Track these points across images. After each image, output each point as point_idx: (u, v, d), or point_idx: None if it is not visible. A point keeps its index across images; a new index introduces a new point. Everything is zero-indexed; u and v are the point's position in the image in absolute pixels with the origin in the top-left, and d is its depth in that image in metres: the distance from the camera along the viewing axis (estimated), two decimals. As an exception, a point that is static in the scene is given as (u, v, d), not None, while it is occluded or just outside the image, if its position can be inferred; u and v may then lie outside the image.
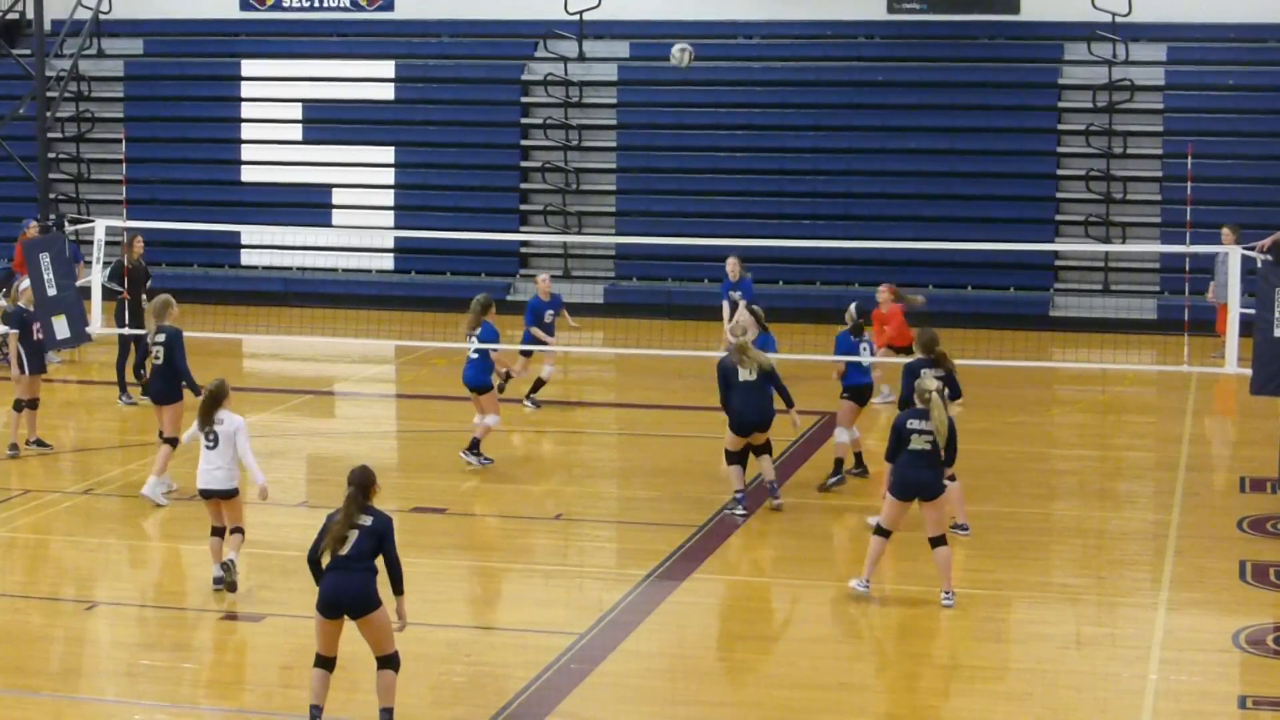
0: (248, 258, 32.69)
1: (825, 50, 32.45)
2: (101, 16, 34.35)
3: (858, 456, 19.01)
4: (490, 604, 15.49)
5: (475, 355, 19.31)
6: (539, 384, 22.61)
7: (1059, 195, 30.72)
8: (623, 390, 24.18)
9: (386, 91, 33.37)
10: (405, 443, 21.92)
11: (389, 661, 11.87)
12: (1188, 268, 24.60)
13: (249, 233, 31.72)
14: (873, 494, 17.90)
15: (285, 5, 34.91)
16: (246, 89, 33.86)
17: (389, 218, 32.83)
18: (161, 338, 18.31)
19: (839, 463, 18.65)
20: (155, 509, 17.77)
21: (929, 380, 15.05)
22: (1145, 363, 26.07)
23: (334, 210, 32.82)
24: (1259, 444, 20.68)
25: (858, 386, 18.63)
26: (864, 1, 32.25)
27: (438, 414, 22.98)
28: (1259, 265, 19.36)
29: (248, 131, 33.71)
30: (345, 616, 11.82)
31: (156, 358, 18.31)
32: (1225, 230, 25.15)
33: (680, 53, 23.81)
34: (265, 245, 31.36)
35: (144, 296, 23.03)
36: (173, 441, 18.02)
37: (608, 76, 32.82)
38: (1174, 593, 15.18)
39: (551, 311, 22.58)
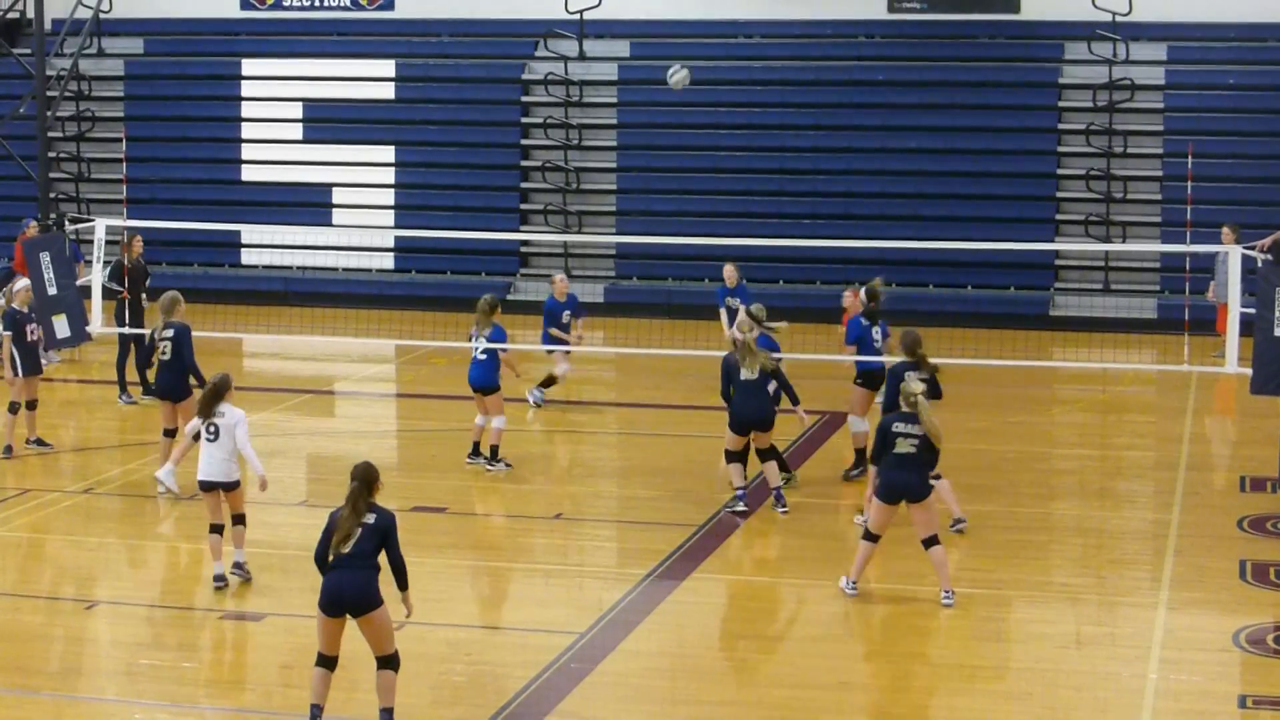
0: (248, 257, 32.69)
1: (825, 50, 32.45)
2: (102, 16, 34.34)
3: (859, 453, 19.02)
4: (490, 603, 15.49)
5: (484, 356, 19.26)
6: (550, 381, 22.55)
7: (1059, 195, 30.72)
8: (623, 390, 24.17)
9: (387, 91, 33.38)
10: (405, 442, 21.92)
11: (389, 661, 11.87)
12: (1188, 267, 24.60)
13: (249, 232, 31.73)
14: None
15: (285, 5, 34.92)
16: (247, 88, 33.86)
17: (389, 217, 32.83)
18: (169, 333, 18.35)
19: (860, 453, 18.65)
20: (159, 504, 17.79)
21: (914, 384, 15.07)
22: (1145, 362, 26.07)
23: (334, 209, 32.83)
24: (1259, 443, 20.68)
25: (871, 372, 18.64)
26: (864, 1, 32.25)
27: (438, 413, 22.99)
28: (1259, 265, 19.36)
29: (248, 131, 33.71)
30: (347, 615, 11.82)
31: (164, 353, 18.35)
32: (1225, 230, 25.15)
33: (679, 77, 23.67)
34: (265, 244, 31.36)
35: (143, 296, 23.06)
36: (170, 433, 18.13)
37: (608, 76, 32.82)
38: (1174, 592, 15.18)
39: (569, 312, 22.42)
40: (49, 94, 30.10)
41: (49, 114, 29.87)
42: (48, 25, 29.88)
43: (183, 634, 14.47)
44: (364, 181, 32.91)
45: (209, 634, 14.44)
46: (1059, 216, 30.60)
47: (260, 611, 14.71)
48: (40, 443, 20.20)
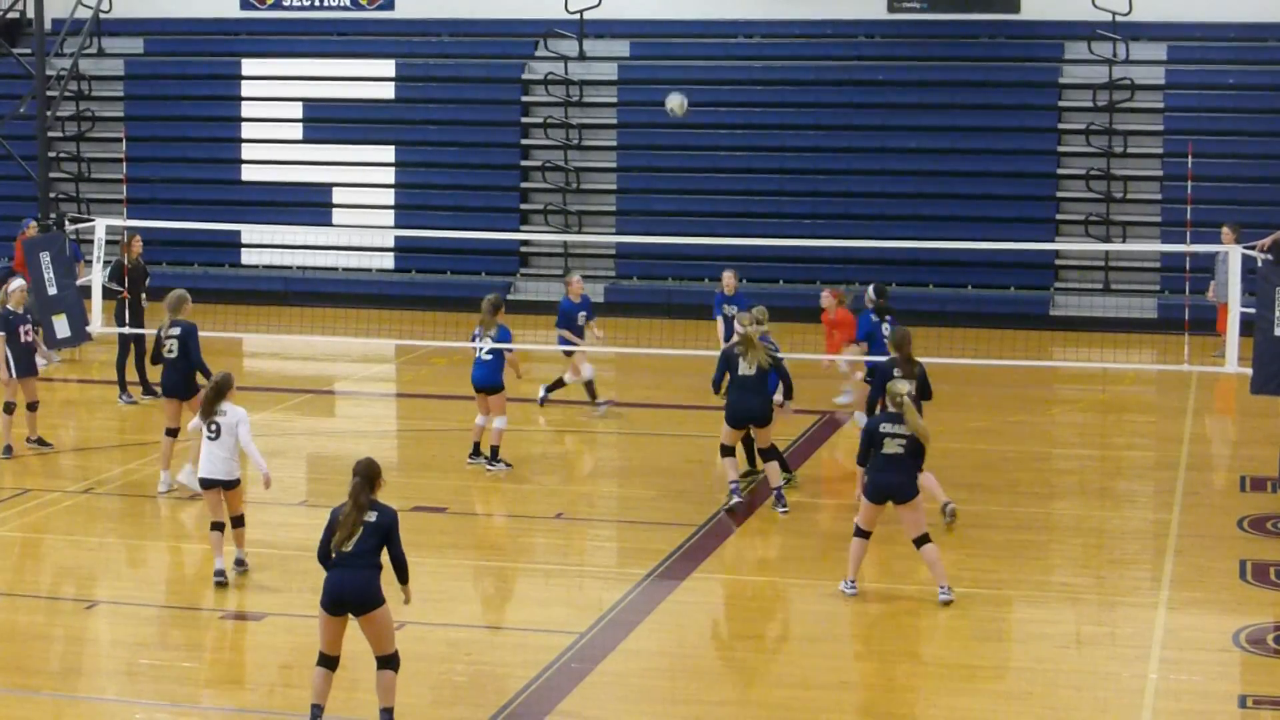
0: (248, 257, 32.69)
1: (825, 49, 32.45)
2: (102, 15, 34.34)
3: None
4: (491, 603, 15.49)
5: (489, 356, 19.24)
6: (559, 384, 22.51)
7: (1059, 194, 30.72)
8: (623, 389, 24.14)
9: (387, 90, 33.38)
10: (405, 442, 21.92)
11: (389, 661, 11.87)
12: (1188, 267, 24.59)
13: (249, 232, 31.73)
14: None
15: (285, 4, 34.92)
16: (247, 88, 33.86)
17: (389, 217, 32.84)
18: (176, 331, 18.36)
19: None
20: (159, 504, 17.79)
21: (900, 384, 15.09)
22: (1145, 362, 26.07)
23: (334, 209, 32.83)
24: (1259, 443, 20.68)
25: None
26: (864, 1, 32.25)
27: (438, 413, 22.99)
28: (1259, 264, 19.35)
29: (248, 131, 33.71)
30: (349, 614, 11.82)
31: (170, 351, 18.35)
32: (1225, 229, 25.14)
33: (674, 104, 23.59)
34: (266, 244, 31.37)
35: (143, 296, 23.05)
36: (173, 433, 18.15)
37: (608, 76, 32.82)
38: (1174, 592, 15.18)
39: (584, 314, 22.35)
40: (49, 94, 30.11)
41: (49, 114, 29.88)
42: (48, 25, 29.89)
43: (183, 634, 14.47)
44: (364, 181, 32.91)
45: (209, 634, 14.44)
46: (1059, 216, 30.60)
47: (260, 611, 14.72)
48: (41, 442, 20.20)
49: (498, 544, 17.33)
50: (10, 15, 34.86)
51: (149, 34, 35.18)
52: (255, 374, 25.84)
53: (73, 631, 14.54)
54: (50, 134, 31.09)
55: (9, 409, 20.00)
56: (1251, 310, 19.02)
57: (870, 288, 19.62)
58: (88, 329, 23.05)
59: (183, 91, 34.19)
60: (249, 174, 33.44)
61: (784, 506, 17.57)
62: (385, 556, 11.94)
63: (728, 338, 17.77)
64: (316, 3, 34.74)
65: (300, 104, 33.35)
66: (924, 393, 16.88)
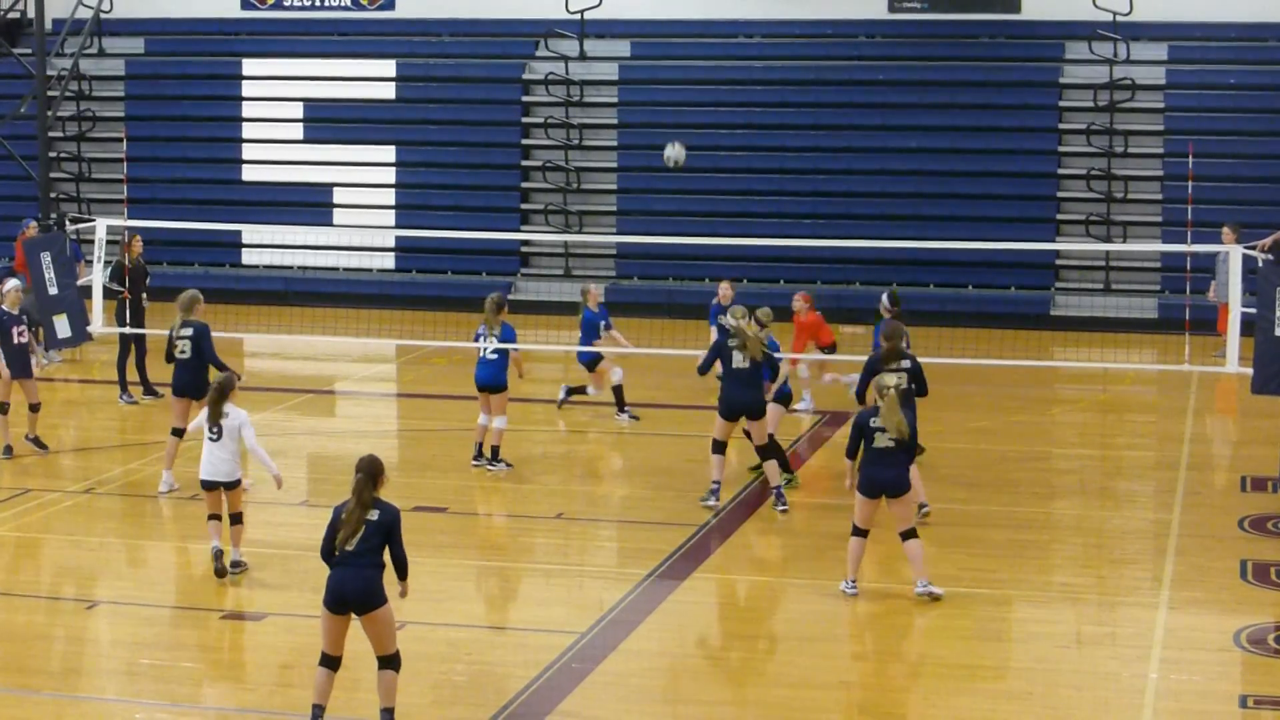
0: (249, 257, 32.70)
1: (826, 49, 32.46)
2: (102, 15, 34.36)
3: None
4: (491, 603, 15.49)
5: (494, 356, 19.23)
6: (580, 389, 22.49)
7: (1060, 194, 30.72)
8: (628, 389, 24.11)
9: (387, 91, 33.38)
10: (406, 442, 21.92)
11: (390, 661, 11.87)
12: (1189, 267, 24.59)
13: (250, 232, 31.73)
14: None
15: (286, 4, 34.93)
16: (247, 88, 33.87)
17: (390, 217, 32.84)
18: (188, 332, 18.36)
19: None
20: (160, 504, 17.80)
21: (888, 377, 15.13)
22: (1146, 362, 26.07)
23: (335, 209, 32.84)
24: (1260, 443, 20.69)
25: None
26: (864, 1, 32.25)
27: (438, 413, 23.00)
28: (1260, 265, 19.36)
29: (249, 131, 33.73)
30: (351, 614, 11.82)
31: (183, 353, 18.34)
32: (1226, 229, 25.15)
33: (680, 156, 23.52)
34: (266, 244, 31.38)
35: (144, 295, 23.05)
36: (179, 432, 18.15)
37: (609, 76, 32.83)
38: (1175, 592, 15.18)
39: (603, 323, 22.29)
40: (50, 94, 30.13)
41: (50, 114, 29.90)
42: (48, 25, 29.93)
43: (183, 634, 14.47)
44: (365, 181, 32.92)
45: (209, 634, 14.44)
46: (1060, 216, 30.61)
47: (261, 611, 14.72)
48: (37, 442, 20.09)
49: (498, 544, 17.33)
50: (11, 15, 34.87)
51: (149, 34, 35.19)
52: (256, 374, 25.81)
53: (73, 631, 14.54)
54: (51, 134, 31.11)
55: (3, 409, 19.94)
56: (1252, 310, 19.02)
57: (885, 295, 19.62)
58: (88, 329, 23.03)
59: (183, 91, 34.20)
60: (249, 174, 33.45)
61: (784, 505, 17.57)
62: (388, 555, 11.94)
63: (729, 357, 17.69)
64: (317, 3, 34.74)
65: (301, 104, 33.36)
66: (919, 388, 16.89)
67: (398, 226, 32.59)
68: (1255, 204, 29.17)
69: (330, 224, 32.42)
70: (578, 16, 32.73)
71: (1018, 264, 29.67)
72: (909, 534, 14.81)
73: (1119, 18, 30.55)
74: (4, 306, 19.95)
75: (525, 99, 33.03)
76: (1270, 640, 14.01)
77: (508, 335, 19.24)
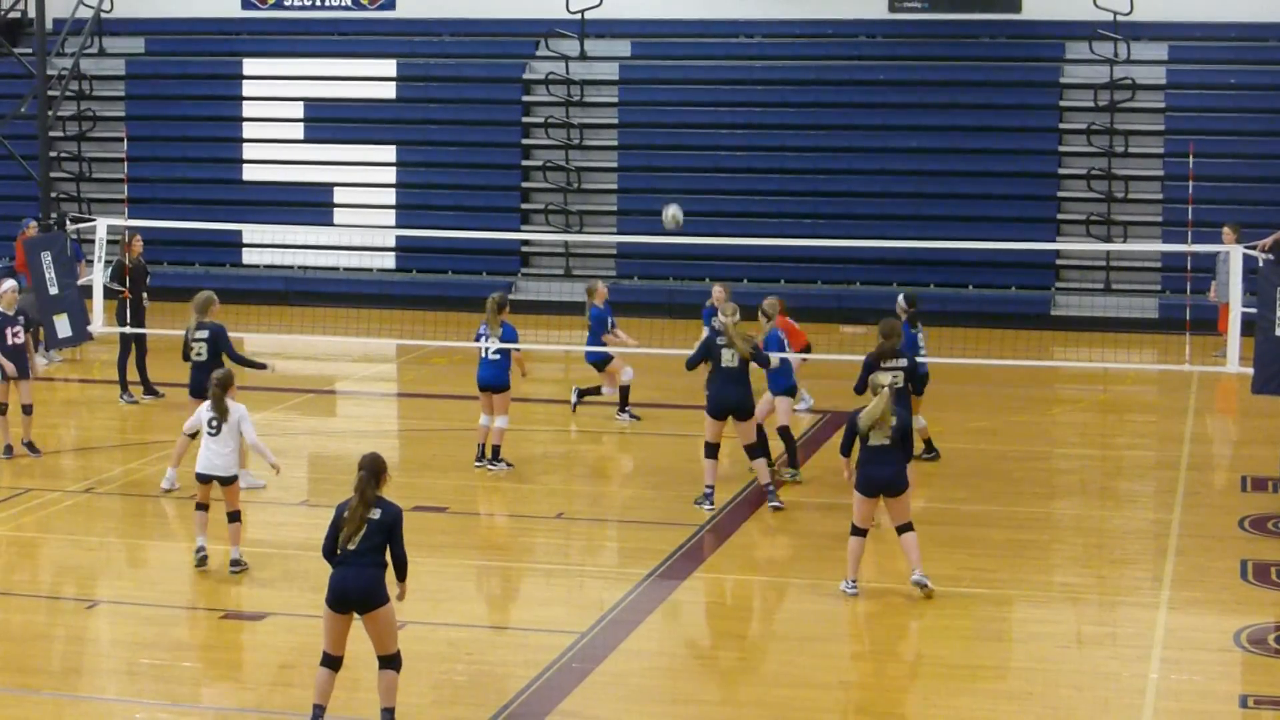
0: (249, 257, 32.71)
1: (826, 49, 32.45)
2: (103, 15, 34.36)
3: (927, 442, 19.53)
4: (491, 603, 15.49)
5: (496, 356, 19.22)
6: (595, 390, 22.47)
7: (1060, 194, 30.72)
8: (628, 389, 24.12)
9: (388, 90, 33.38)
10: (406, 441, 21.92)
11: (391, 661, 11.87)
12: (1189, 267, 24.61)
13: (250, 232, 31.73)
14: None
15: (287, 4, 34.92)
16: (248, 88, 33.87)
17: (390, 216, 32.85)
18: (204, 334, 18.39)
19: (927, 441, 19.48)
20: (160, 504, 17.82)
21: (882, 376, 15.17)
22: (1147, 362, 26.07)
23: (335, 209, 32.84)
24: (1260, 443, 20.69)
25: (919, 374, 18.85)
26: (865, 0, 32.25)
27: (439, 413, 23.00)
28: (1260, 264, 19.36)
29: (249, 130, 33.73)
30: (354, 613, 11.82)
31: (198, 354, 18.34)
32: (1226, 229, 25.15)
33: (680, 217, 23.50)
34: (267, 244, 31.38)
35: (144, 295, 23.05)
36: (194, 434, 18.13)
37: (609, 75, 32.83)
38: (1175, 592, 15.18)
39: (610, 320, 22.29)
40: (50, 93, 30.12)
41: (50, 113, 29.89)
42: (49, 25, 29.91)
43: (183, 633, 14.47)
44: (365, 181, 32.92)
45: (210, 633, 14.44)
46: (1060, 216, 30.61)
47: (261, 611, 14.72)
48: (30, 447, 19.93)
49: (499, 544, 17.34)
50: (11, 15, 34.86)
51: (150, 34, 35.19)
52: (257, 374, 25.83)
53: (73, 631, 14.54)
54: (51, 134, 31.10)
55: (2, 410, 19.88)
56: (1252, 310, 19.03)
57: (901, 296, 19.67)
58: (89, 329, 23.03)
59: (184, 91, 34.20)
60: (250, 174, 33.45)
61: (777, 503, 17.58)
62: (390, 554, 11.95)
63: (718, 355, 17.71)
64: (318, 2, 34.74)
65: (301, 104, 33.36)
66: (916, 386, 17.04)
67: (398, 226, 32.59)
68: (1256, 204, 29.17)
69: (331, 224, 32.42)
70: (578, 16, 32.74)
71: (1018, 264, 29.66)
72: (905, 527, 14.84)
73: (1119, 17, 30.55)
74: (1, 307, 19.85)
75: (526, 99, 33.03)
76: (1270, 640, 14.01)
77: (509, 335, 19.24)
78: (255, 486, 18.30)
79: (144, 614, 14.73)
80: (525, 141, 32.88)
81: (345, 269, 32.51)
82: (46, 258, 22.27)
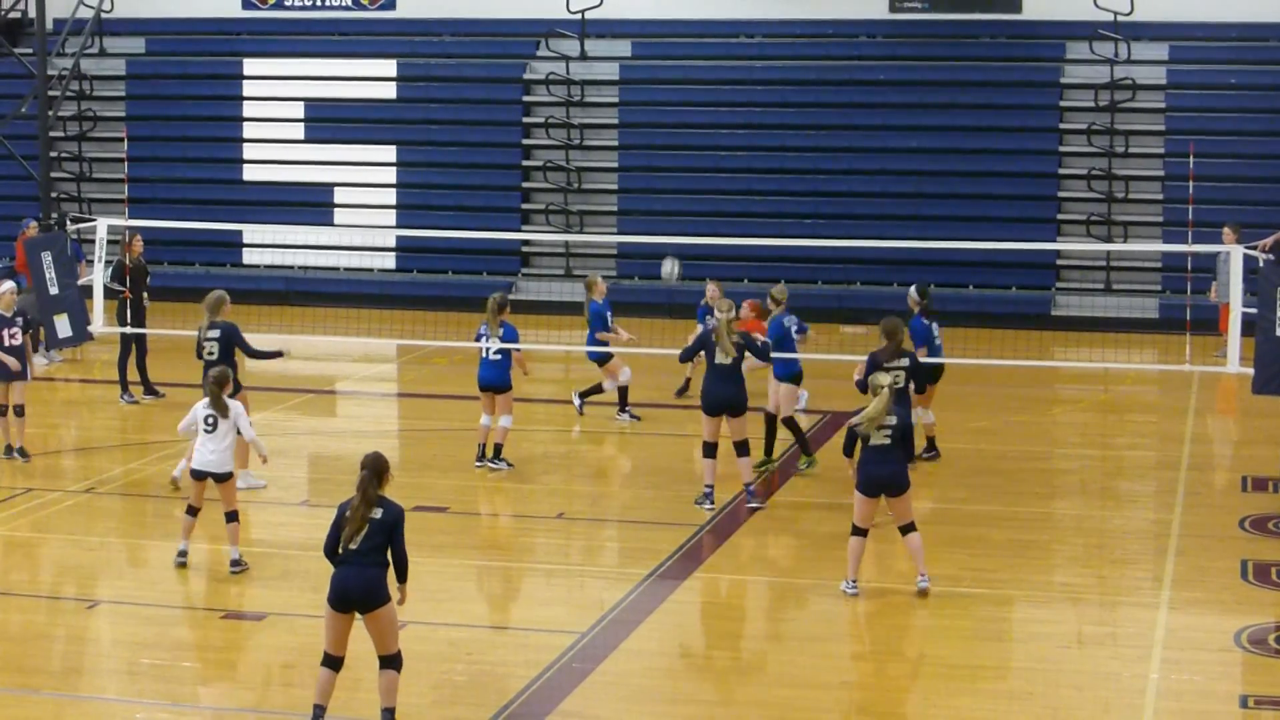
0: (249, 257, 32.71)
1: (827, 49, 32.45)
2: (103, 15, 34.35)
3: (930, 440, 19.56)
4: (492, 603, 15.49)
5: (497, 356, 19.22)
6: (597, 389, 22.44)
7: (1061, 194, 30.72)
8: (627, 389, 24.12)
9: (388, 90, 33.39)
10: (407, 441, 21.92)
11: (392, 661, 11.87)
12: (1189, 267, 24.59)
13: (251, 232, 31.73)
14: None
15: (287, 4, 34.92)
16: (248, 88, 33.88)
17: (391, 217, 32.85)
18: (215, 333, 18.40)
19: (930, 440, 19.55)
20: (161, 504, 17.81)
21: (882, 376, 15.16)
22: (1147, 362, 26.06)
23: (336, 209, 32.85)
24: (1261, 443, 20.69)
25: (933, 368, 18.88)
26: (865, 0, 32.25)
27: (439, 413, 23.00)
28: (1260, 265, 19.35)
29: (249, 130, 33.73)
30: (355, 612, 11.82)
31: (210, 353, 18.34)
32: (1227, 229, 25.14)
33: (670, 269, 23.38)
34: (267, 244, 31.38)
35: (145, 295, 23.04)
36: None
37: (609, 75, 32.83)
38: (1175, 592, 15.17)
39: (609, 314, 22.31)
40: (50, 93, 30.11)
41: (50, 113, 29.89)
42: (49, 25, 29.90)
43: (184, 633, 14.47)
44: (365, 181, 32.92)
45: (210, 633, 14.44)
46: (1060, 216, 30.61)
47: (261, 611, 14.72)
48: (21, 453, 19.70)
49: (499, 543, 17.34)
50: (11, 15, 34.86)
51: (150, 34, 35.19)
52: (257, 374, 25.79)
53: (74, 631, 14.54)
54: (52, 134, 31.10)
55: (2, 411, 19.85)
56: (1253, 310, 19.02)
57: (912, 288, 19.73)
58: (89, 328, 23.02)
59: (184, 91, 34.20)
60: (250, 174, 33.45)
61: (754, 503, 17.58)
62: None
63: (712, 352, 17.75)
64: (318, 2, 34.74)
65: (302, 104, 33.37)
66: (917, 385, 17.10)
67: (399, 226, 32.59)
68: (1256, 204, 29.17)
69: (331, 224, 32.43)
70: (578, 16, 32.74)
71: (1018, 264, 29.66)
72: (909, 528, 14.85)
73: (1120, 18, 30.55)
74: None
75: (526, 99, 33.03)
76: (1271, 640, 14.01)
77: (510, 335, 19.24)
78: (256, 487, 18.31)
79: (144, 614, 14.73)
80: (526, 141, 32.88)
81: (346, 269, 32.52)
82: (47, 258, 22.26)
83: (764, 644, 14.34)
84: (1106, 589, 15.54)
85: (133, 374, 23.01)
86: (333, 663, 11.90)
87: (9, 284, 20.43)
